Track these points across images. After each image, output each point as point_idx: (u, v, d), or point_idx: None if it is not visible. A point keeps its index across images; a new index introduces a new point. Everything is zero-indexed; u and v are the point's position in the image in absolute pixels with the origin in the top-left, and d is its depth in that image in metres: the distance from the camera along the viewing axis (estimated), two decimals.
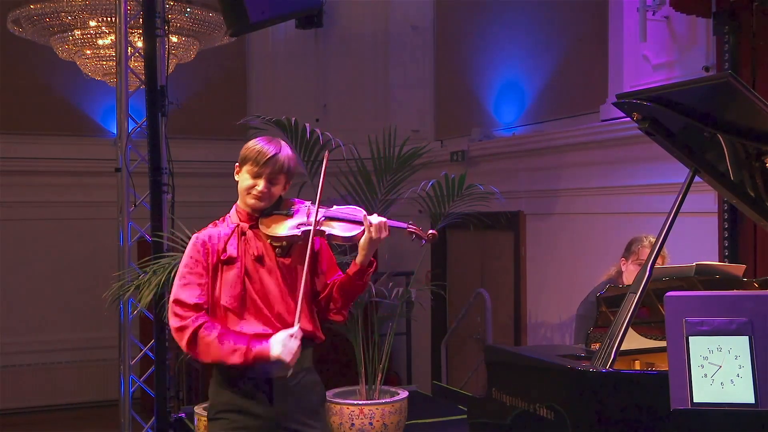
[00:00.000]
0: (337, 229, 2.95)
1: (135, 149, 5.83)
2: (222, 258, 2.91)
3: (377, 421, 5.14)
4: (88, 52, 6.39)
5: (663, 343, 2.69)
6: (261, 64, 9.23)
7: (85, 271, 8.28)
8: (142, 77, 5.65)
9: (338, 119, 8.74)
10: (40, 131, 8.33)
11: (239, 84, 9.17)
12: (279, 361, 2.81)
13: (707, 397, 2.05)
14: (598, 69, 6.17)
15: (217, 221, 3.05)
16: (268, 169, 2.92)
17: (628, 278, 4.36)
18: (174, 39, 6.19)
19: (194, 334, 2.82)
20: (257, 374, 2.90)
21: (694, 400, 2.06)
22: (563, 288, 6.51)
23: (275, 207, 3.01)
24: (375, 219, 2.94)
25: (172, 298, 2.91)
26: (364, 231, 2.93)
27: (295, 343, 2.82)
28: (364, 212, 2.99)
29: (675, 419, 2.29)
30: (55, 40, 6.33)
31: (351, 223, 2.98)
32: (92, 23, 6.13)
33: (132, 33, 5.90)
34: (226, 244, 2.93)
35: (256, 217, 2.98)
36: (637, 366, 2.99)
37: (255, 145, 2.97)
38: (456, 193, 5.66)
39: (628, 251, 4.40)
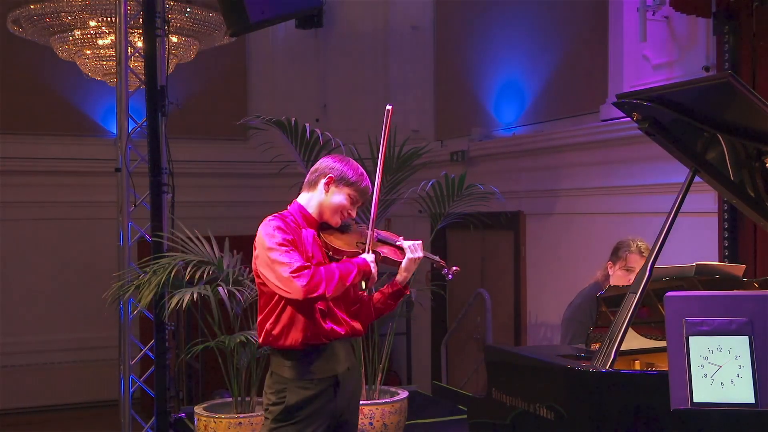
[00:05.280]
0: (391, 253, 3.23)
1: (135, 149, 5.83)
2: (312, 262, 3.04)
3: (377, 421, 5.14)
4: (88, 52, 6.38)
5: (663, 343, 2.69)
6: (261, 64, 9.23)
7: (85, 271, 8.27)
8: (142, 77, 5.65)
9: (338, 119, 8.74)
10: (40, 131, 8.33)
11: (239, 84, 9.17)
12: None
13: (707, 397, 2.06)
14: (598, 69, 6.16)
15: (277, 215, 3.13)
16: (364, 202, 3.26)
17: (614, 283, 4.17)
18: (174, 39, 6.19)
19: (326, 275, 2.96)
20: (328, 369, 3.08)
21: (694, 400, 2.06)
22: (563, 288, 6.50)
23: None
24: (409, 242, 3.22)
25: (283, 270, 2.93)
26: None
27: (375, 266, 3.11)
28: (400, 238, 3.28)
29: (675, 419, 2.29)
30: (55, 40, 6.33)
31: (397, 248, 3.25)
32: (92, 23, 6.12)
33: (132, 33, 5.90)
34: (311, 248, 3.09)
35: (322, 225, 3.18)
36: (637, 366, 2.99)
37: (359, 175, 3.17)
38: (456, 193, 5.66)
39: (616, 256, 4.22)
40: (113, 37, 5.92)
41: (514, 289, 7.20)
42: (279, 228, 3.01)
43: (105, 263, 7.19)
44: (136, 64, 5.96)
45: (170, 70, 5.97)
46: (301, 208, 3.13)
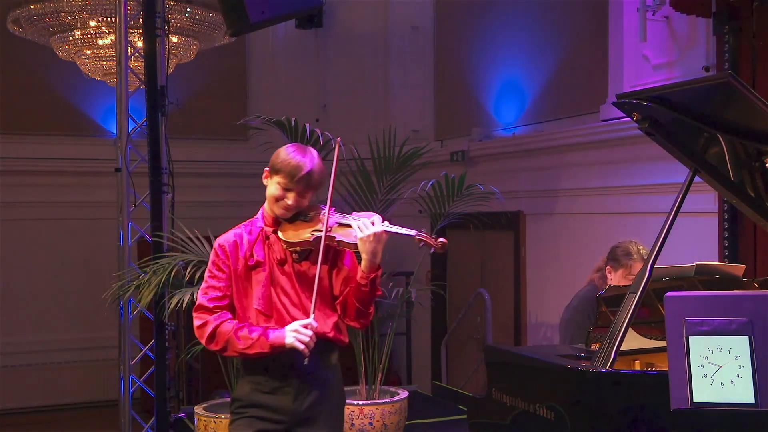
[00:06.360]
0: (348, 236, 2.90)
1: (135, 149, 5.83)
2: (249, 263, 2.94)
3: (377, 421, 5.14)
4: (88, 52, 6.38)
5: (663, 343, 2.69)
6: (261, 64, 9.23)
7: (85, 271, 8.28)
8: (142, 77, 5.65)
9: (338, 119, 8.74)
10: (40, 131, 8.33)
11: (239, 84, 9.17)
12: (294, 349, 2.83)
13: (707, 397, 2.05)
14: (598, 69, 6.17)
15: (242, 224, 3.06)
16: (301, 186, 2.92)
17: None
18: (174, 39, 6.19)
19: (213, 332, 2.88)
20: (280, 368, 2.92)
21: (694, 400, 2.06)
22: (563, 288, 6.50)
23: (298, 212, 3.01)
24: (360, 220, 2.90)
25: (198, 299, 2.97)
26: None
27: (308, 333, 2.83)
28: (377, 217, 2.93)
29: (675, 419, 2.29)
30: (55, 40, 6.33)
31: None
32: (92, 23, 6.12)
33: (132, 33, 5.90)
34: (252, 248, 2.96)
35: (280, 221, 3.00)
36: (637, 366, 2.99)
37: (289, 157, 2.92)
38: (456, 193, 5.66)
39: (617, 262, 4.14)
40: (113, 37, 5.92)
41: (514, 289, 7.20)
42: (214, 251, 2.98)
43: (105, 263, 7.19)
44: (136, 64, 5.96)
45: (170, 70, 5.97)
46: (262, 208, 3.05)
